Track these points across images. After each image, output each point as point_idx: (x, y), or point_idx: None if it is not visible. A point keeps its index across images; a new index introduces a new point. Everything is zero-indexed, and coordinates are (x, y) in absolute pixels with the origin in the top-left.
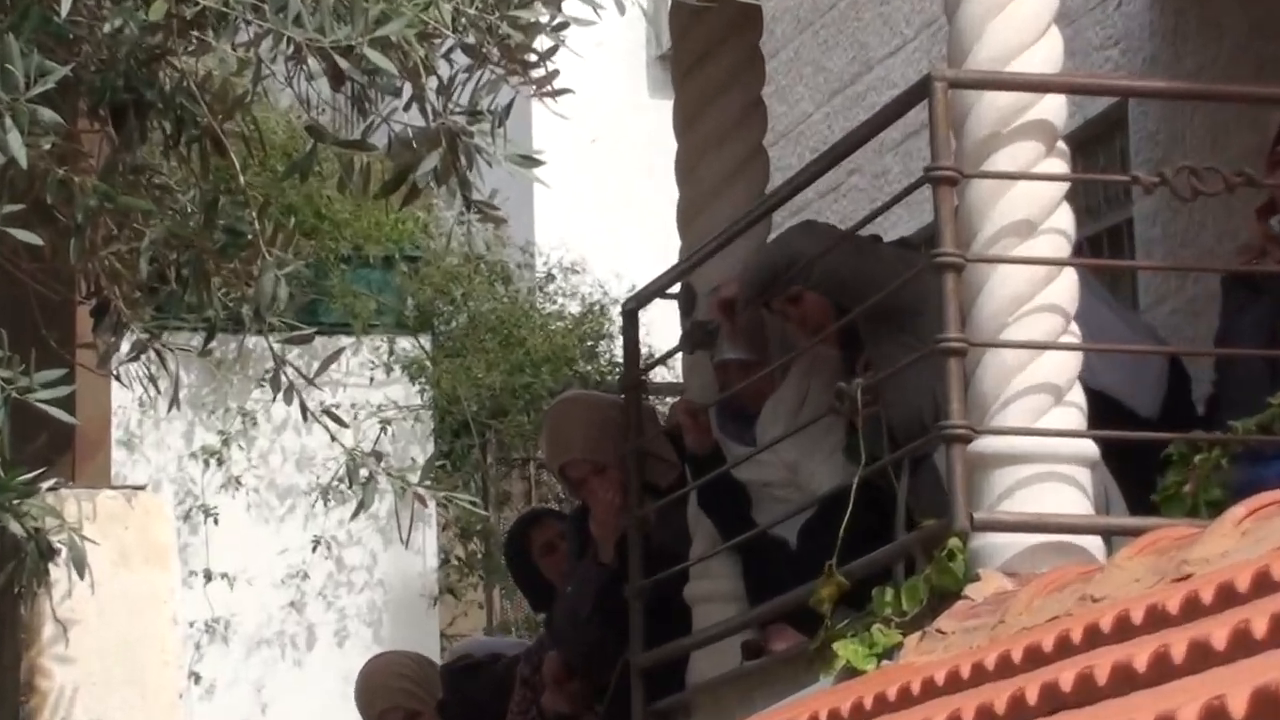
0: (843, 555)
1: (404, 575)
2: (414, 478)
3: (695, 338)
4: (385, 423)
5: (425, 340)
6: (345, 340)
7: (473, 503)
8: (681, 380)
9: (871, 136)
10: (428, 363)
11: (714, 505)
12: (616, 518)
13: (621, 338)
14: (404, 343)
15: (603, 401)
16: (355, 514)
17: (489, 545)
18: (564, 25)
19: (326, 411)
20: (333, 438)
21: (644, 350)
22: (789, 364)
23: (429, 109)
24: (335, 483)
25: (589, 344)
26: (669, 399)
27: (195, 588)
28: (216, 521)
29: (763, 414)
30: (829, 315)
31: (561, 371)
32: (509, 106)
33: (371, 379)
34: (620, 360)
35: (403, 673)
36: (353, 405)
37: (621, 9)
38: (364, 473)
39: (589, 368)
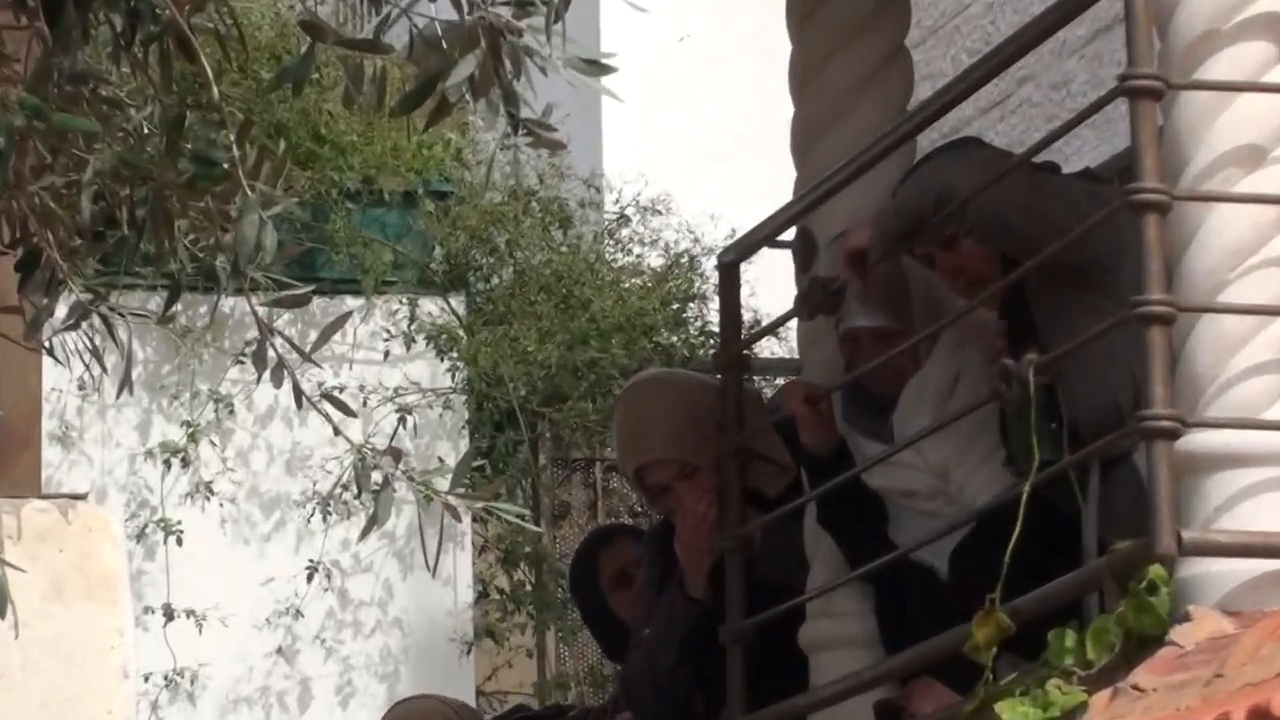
0: (1008, 587)
1: (429, 613)
2: (443, 484)
3: (815, 299)
4: (405, 411)
5: (458, 302)
6: (352, 303)
7: (520, 516)
8: (796, 356)
9: (1049, 35)
10: (461, 332)
11: (838, 521)
12: (710, 537)
13: (717, 299)
14: (429, 305)
15: (692, 384)
16: (365, 532)
17: (541, 573)
18: None
19: (327, 396)
20: (336, 431)
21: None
22: (938, 334)
23: None
24: (338, 491)
25: (674, 307)
26: (779, 381)
27: (152, 629)
28: (180, 542)
29: (902, 401)
30: (992, 269)
31: (638, 344)
32: None
33: (387, 354)
34: (715, 329)
35: None
36: (362, 388)
37: None
38: (377, 477)
39: (674, 339)
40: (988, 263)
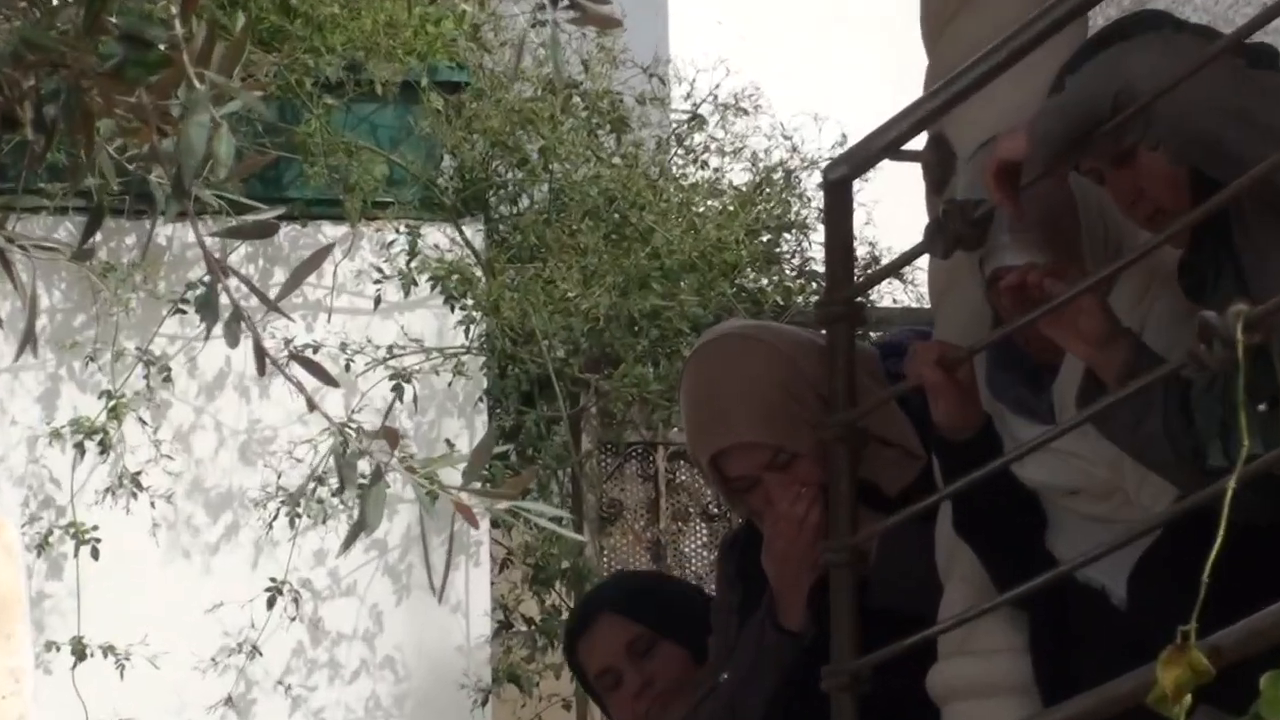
0: (1206, 617)
1: (432, 650)
2: (453, 476)
3: (953, 229)
4: (402, 378)
5: (474, 232)
6: (332, 232)
7: (556, 520)
8: (927, 305)
9: None
10: (477, 272)
11: (981, 527)
12: (810, 548)
13: (821, 229)
14: (436, 236)
15: (788, 342)
16: (348, 542)
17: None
18: None
19: (298, 358)
20: (310, 405)
21: (861, 252)
22: (1115, 277)
23: None
24: (311, 486)
25: (764, 239)
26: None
27: (57, 671)
28: (96, 554)
29: (1066, 368)
30: (1179, 194)
31: (715, 287)
32: None
33: (378, 300)
34: (819, 269)
35: None
36: (344, 347)
37: None
38: (364, 467)
39: (764, 281)
40: (1174, 186)
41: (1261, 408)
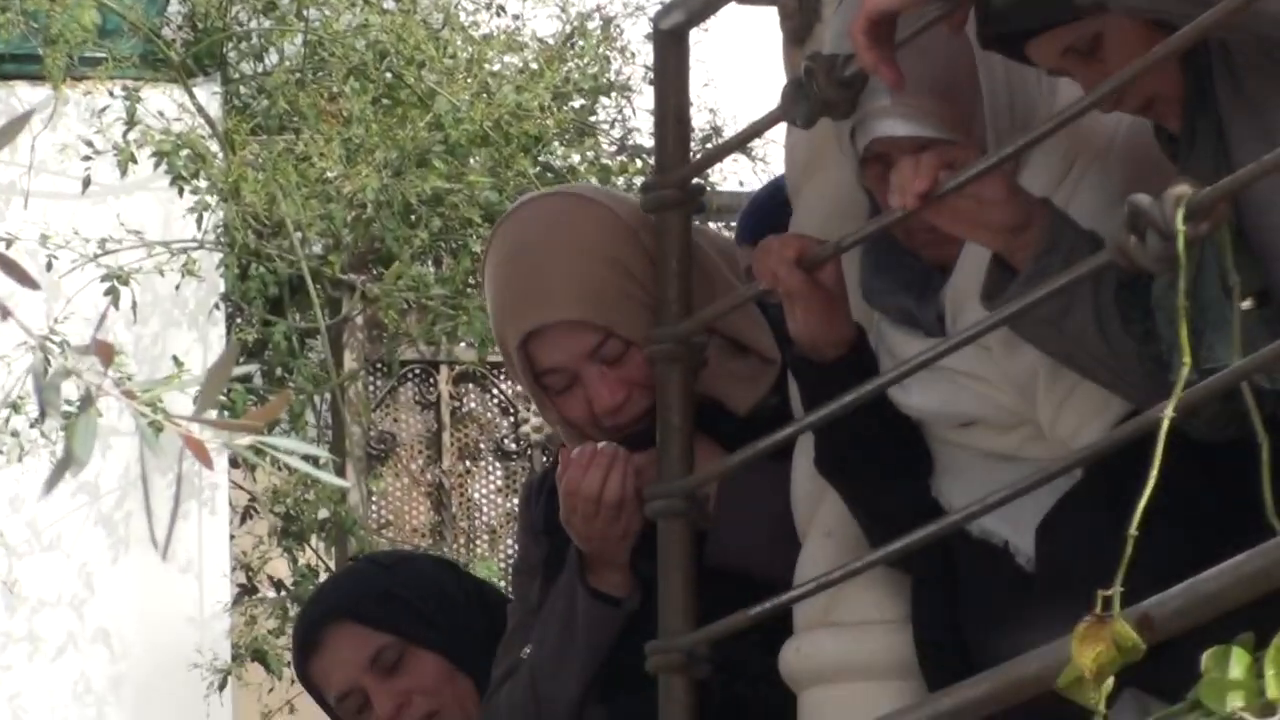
0: (1135, 578)
1: (158, 621)
2: (183, 403)
3: (817, 92)
4: (118, 279)
5: (208, 95)
6: (29, 95)
7: (313, 460)
8: (785, 188)
9: None
10: (213, 146)
11: (849, 466)
12: (615, 522)
13: (651, 91)
14: (161, 100)
15: (628, 211)
16: (51, 483)
17: (344, 554)
18: None
19: None
20: (2, 312)
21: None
22: (1020, 156)
23: None
24: (3, 415)
25: (576, 105)
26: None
27: None
28: None
29: (962, 268)
30: (1174, 70)
31: (514, 166)
32: None
33: (87, 181)
34: (647, 144)
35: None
36: (45, 239)
37: None
38: (70, 391)
39: (576, 157)
40: (1158, 65)
41: (1246, 304)
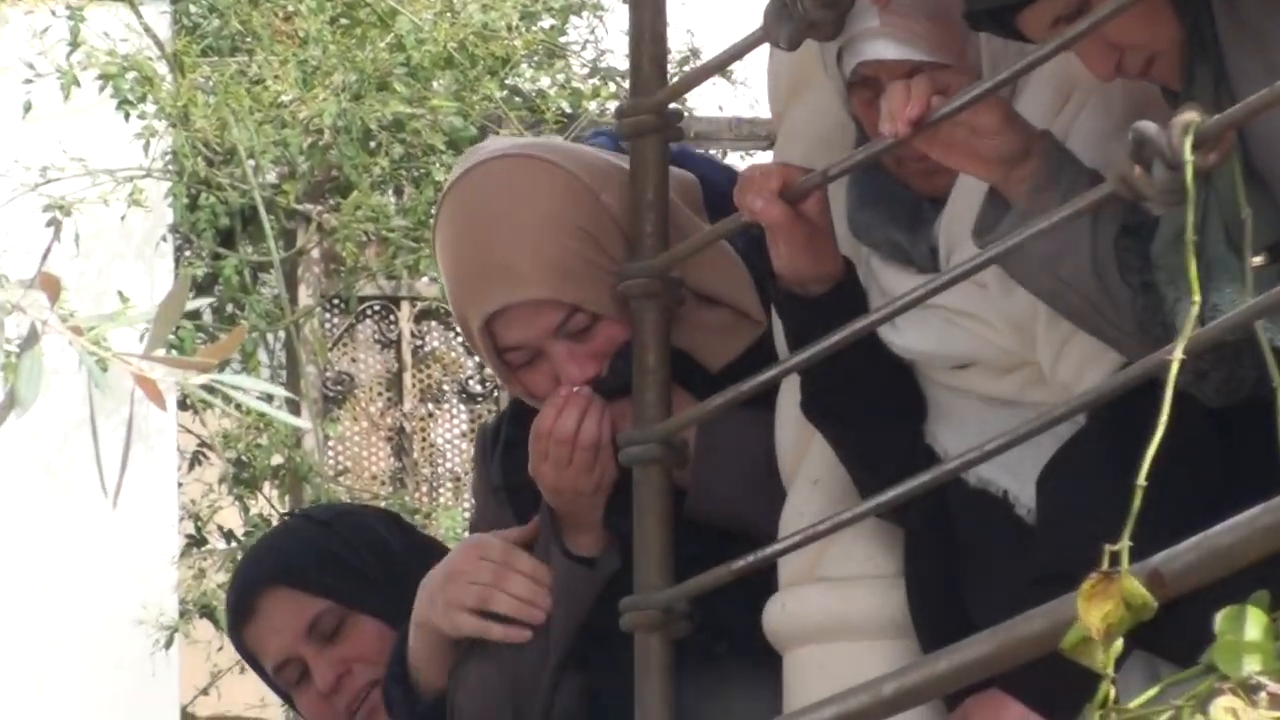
0: (1144, 533)
1: (100, 575)
2: (125, 340)
3: (802, 11)
4: (60, 209)
5: (157, 14)
6: None
7: (267, 398)
8: (766, 115)
9: None
10: (161, 68)
11: (837, 409)
12: (590, 470)
13: (626, 7)
14: (105, 20)
15: (585, 168)
16: None
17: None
18: None
19: None
20: None
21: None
22: (1019, 82)
23: None
24: None
25: (545, 25)
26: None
27: None
28: None
29: (955, 199)
30: (1166, 19)
31: (479, 89)
32: None
33: (28, 105)
34: (619, 66)
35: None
36: None
37: None
38: (14, 328)
39: (544, 80)
40: (1150, 18)
41: (1258, 260)
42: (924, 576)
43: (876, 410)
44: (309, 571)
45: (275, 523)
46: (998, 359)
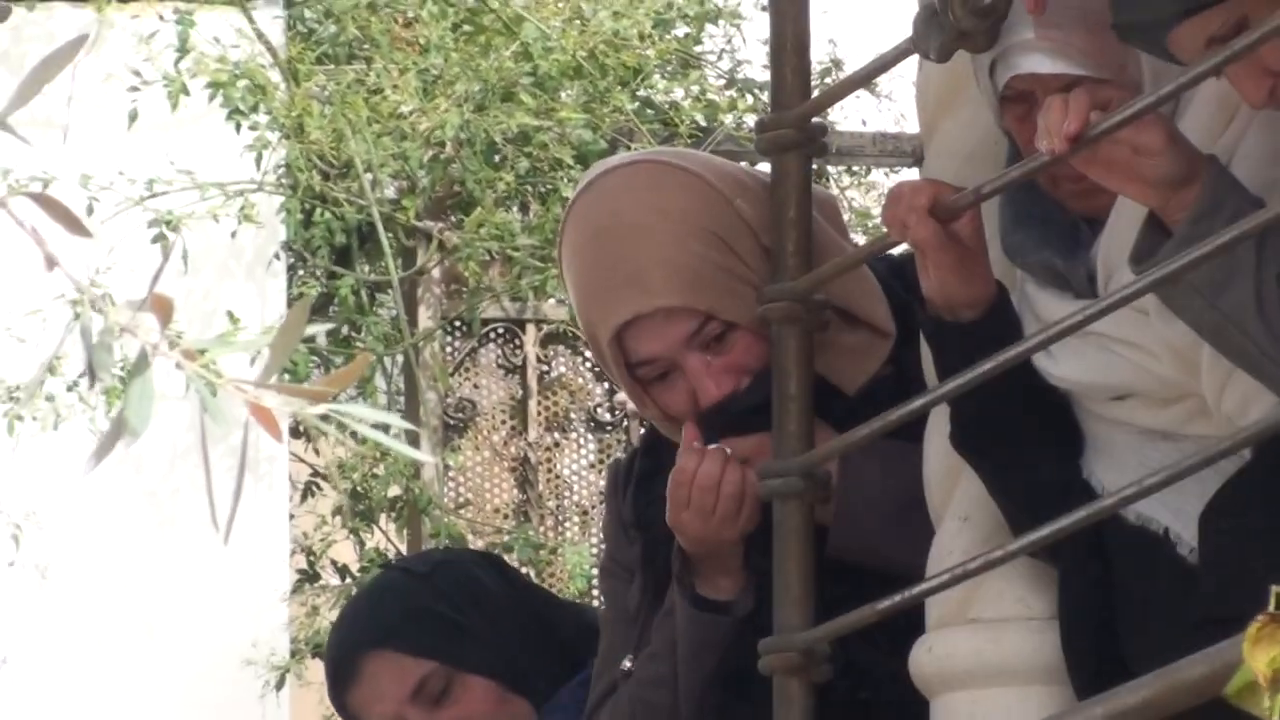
0: None
1: (207, 611)
2: (234, 364)
3: (953, 22)
4: (167, 225)
5: (270, 20)
6: (71, 18)
7: (383, 428)
8: (913, 130)
9: None
10: (274, 76)
11: (989, 442)
12: (733, 520)
13: (766, 15)
14: (216, 25)
15: (721, 176)
16: (102, 453)
17: (420, 536)
18: None
19: (26, 193)
20: (48, 261)
21: (820, 54)
22: (1181, 92)
23: None
24: (43, 380)
25: (679, 33)
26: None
27: None
28: None
29: (1114, 220)
30: None
31: (609, 100)
32: None
33: (134, 114)
34: (758, 77)
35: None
36: (86, 180)
37: None
38: (121, 350)
39: (678, 92)
40: None
41: None
42: (1078, 619)
43: (1030, 444)
44: (411, 632)
45: (392, 558)
46: (1158, 390)
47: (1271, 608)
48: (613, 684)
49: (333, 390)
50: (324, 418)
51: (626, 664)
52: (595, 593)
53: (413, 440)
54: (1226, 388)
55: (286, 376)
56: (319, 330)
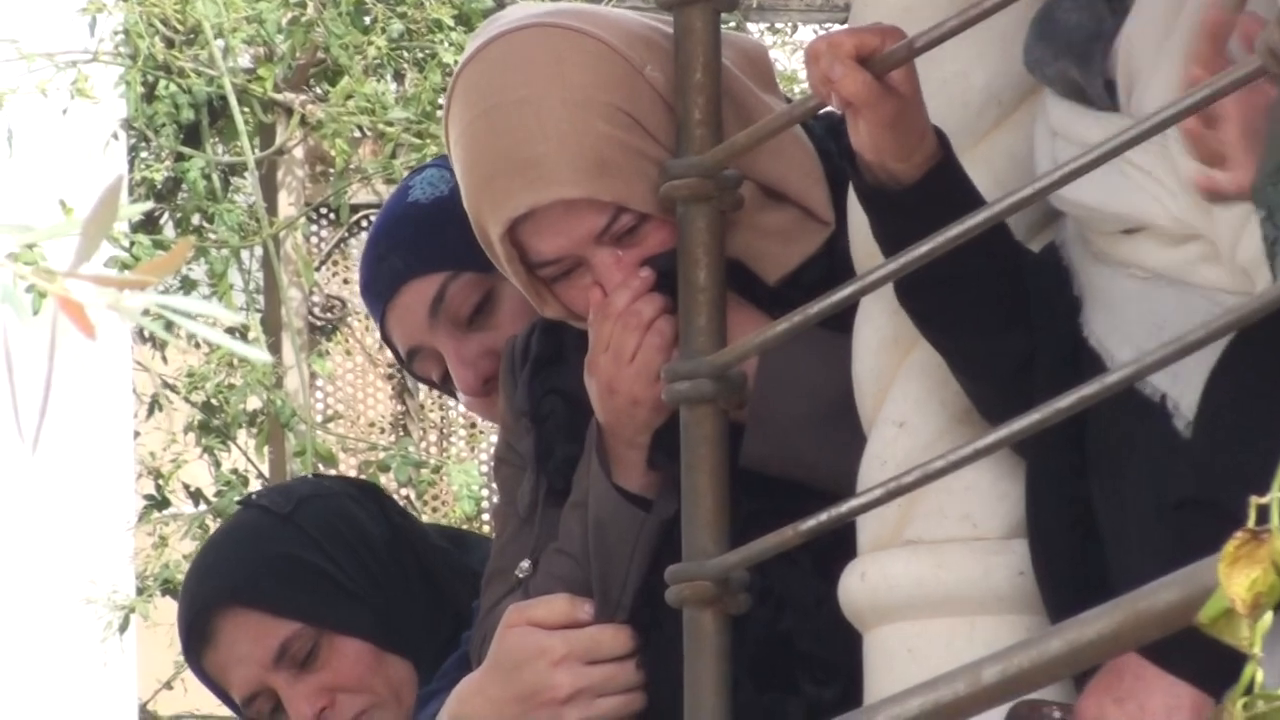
0: None
1: (36, 544)
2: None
3: None
4: None
5: None
6: None
7: (240, 331)
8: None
9: None
10: None
11: (950, 300)
12: (660, 363)
13: None
14: None
15: (626, 37)
16: None
17: (282, 457)
18: None
19: None
20: None
21: None
22: None
23: None
24: None
25: None
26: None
27: None
28: None
29: (1131, 20)
30: None
31: None
32: None
33: None
34: None
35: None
36: None
37: None
38: None
39: None
40: None
41: None
42: (1053, 523)
43: (996, 306)
44: (271, 586)
45: (253, 481)
46: (1170, 225)
47: (1251, 524)
48: (509, 589)
49: (151, 279)
50: (156, 318)
51: (524, 566)
52: (486, 518)
53: (273, 344)
54: (1243, 234)
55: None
56: (151, 207)
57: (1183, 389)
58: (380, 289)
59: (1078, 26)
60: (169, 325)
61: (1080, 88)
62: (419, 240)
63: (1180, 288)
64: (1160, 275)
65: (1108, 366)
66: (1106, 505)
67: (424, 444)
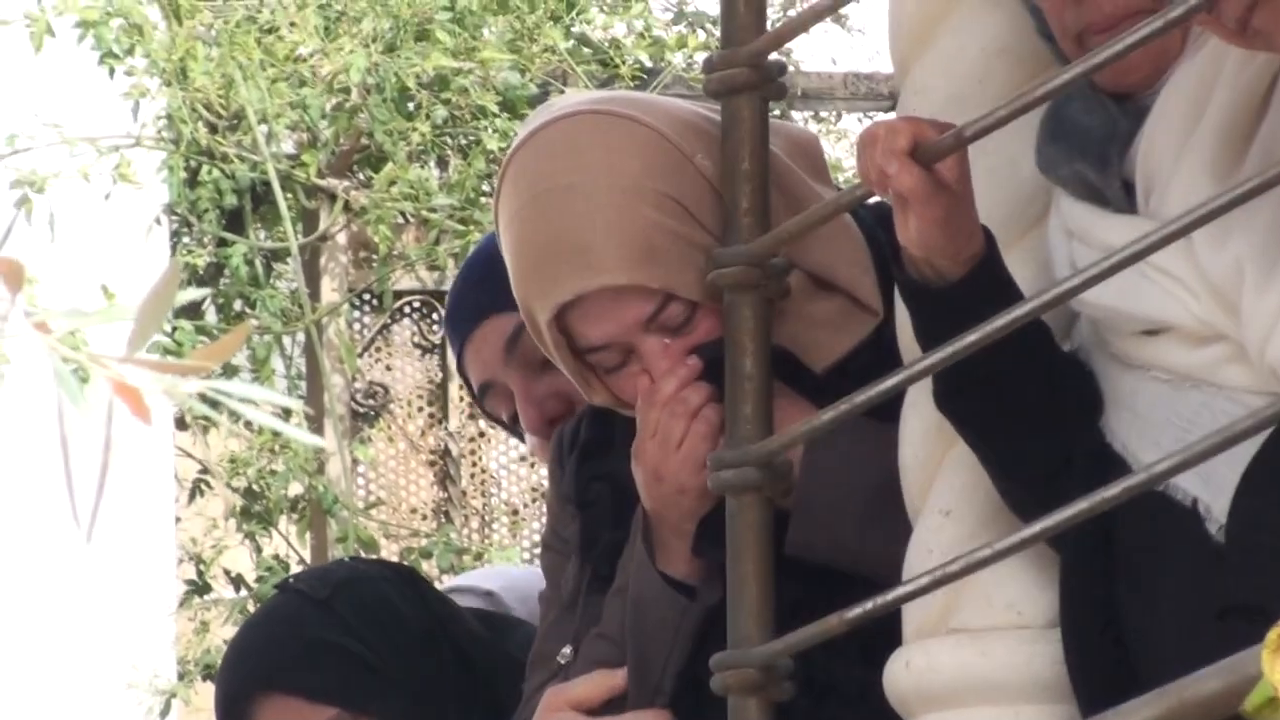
0: None
1: (81, 629)
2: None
3: None
4: (29, 185)
5: None
6: None
7: (283, 413)
8: (889, 70)
9: None
10: (153, 15)
11: (983, 402)
12: (706, 454)
13: None
14: None
15: (676, 125)
16: None
17: (325, 541)
18: None
19: None
20: None
21: None
22: None
23: None
24: None
25: None
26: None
27: None
28: None
29: (1158, 113)
30: None
31: (539, 38)
32: None
33: None
34: (709, 10)
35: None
36: None
37: None
38: None
39: (622, 26)
40: None
41: None
42: (1085, 619)
43: (1036, 404)
44: (307, 673)
45: (294, 566)
46: (1193, 327)
47: None
48: (550, 674)
49: (208, 364)
50: (207, 401)
51: (566, 652)
52: None
53: (315, 428)
54: (1272, 336)
55: (170, 357)
56: (201, 295)
57: (1214, 493)
58: (462, 320)
59: (1092, 128)
60: (215, 405)
61: (1097, 189)
62: (504, 277)
63: (1206, 391)
64: (1185, 377)
65: (1133, 470)
66: (1138, 610)
67: (466, 530)
